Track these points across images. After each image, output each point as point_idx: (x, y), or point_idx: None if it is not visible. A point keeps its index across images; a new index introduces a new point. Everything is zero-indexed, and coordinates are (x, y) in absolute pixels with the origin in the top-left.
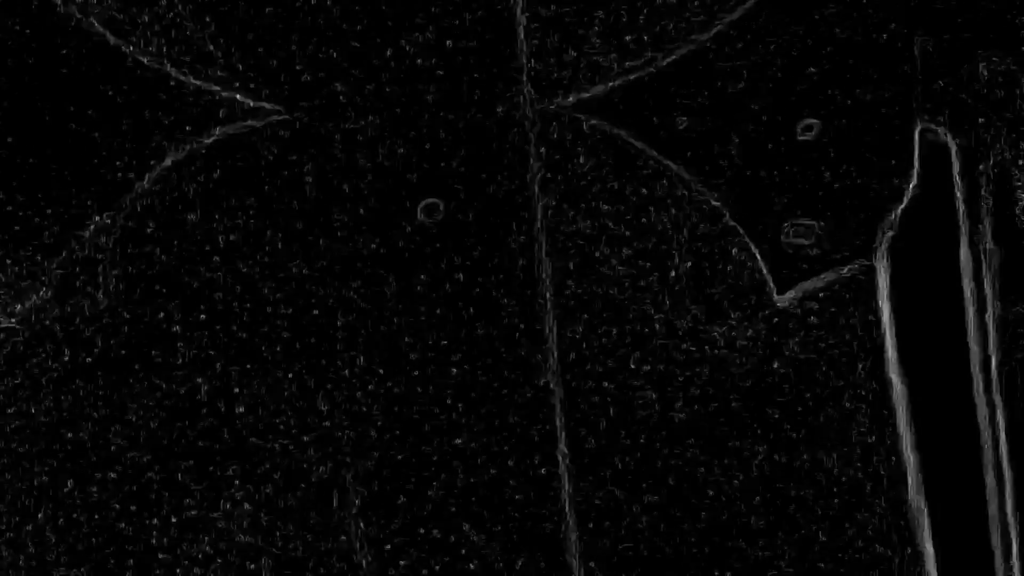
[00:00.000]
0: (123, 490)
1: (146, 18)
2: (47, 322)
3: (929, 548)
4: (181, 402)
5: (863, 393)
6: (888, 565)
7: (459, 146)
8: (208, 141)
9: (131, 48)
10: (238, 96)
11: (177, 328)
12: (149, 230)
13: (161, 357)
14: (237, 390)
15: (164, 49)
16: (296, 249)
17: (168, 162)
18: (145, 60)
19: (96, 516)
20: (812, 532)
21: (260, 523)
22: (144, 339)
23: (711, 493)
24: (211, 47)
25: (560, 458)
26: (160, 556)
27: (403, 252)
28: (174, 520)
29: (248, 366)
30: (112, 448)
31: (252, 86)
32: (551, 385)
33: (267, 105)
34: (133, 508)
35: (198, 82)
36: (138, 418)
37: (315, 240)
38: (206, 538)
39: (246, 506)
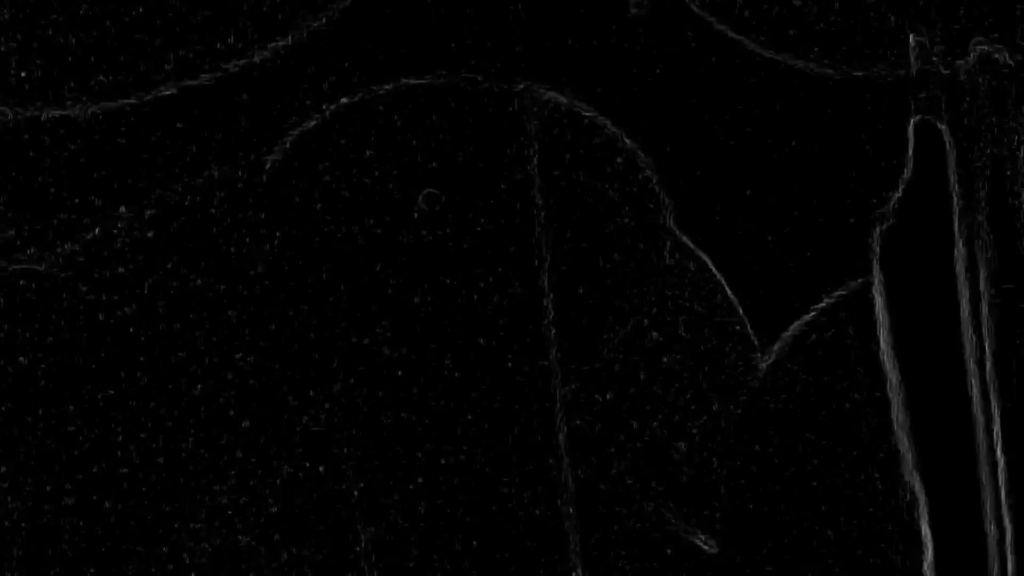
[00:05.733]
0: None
1: None
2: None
3: (926, 531)
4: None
5: (861, 382)
6: (888, 548)
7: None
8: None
9: None
10: None
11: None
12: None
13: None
14: (235, 380)
15: None
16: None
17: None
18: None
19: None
20: (817, 520)
21: (261, 526)
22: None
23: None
24: None
25: (562, 461)
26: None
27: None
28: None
29: (246, 354)
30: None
31: None
32: (554, 385)
33: None
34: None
35: None
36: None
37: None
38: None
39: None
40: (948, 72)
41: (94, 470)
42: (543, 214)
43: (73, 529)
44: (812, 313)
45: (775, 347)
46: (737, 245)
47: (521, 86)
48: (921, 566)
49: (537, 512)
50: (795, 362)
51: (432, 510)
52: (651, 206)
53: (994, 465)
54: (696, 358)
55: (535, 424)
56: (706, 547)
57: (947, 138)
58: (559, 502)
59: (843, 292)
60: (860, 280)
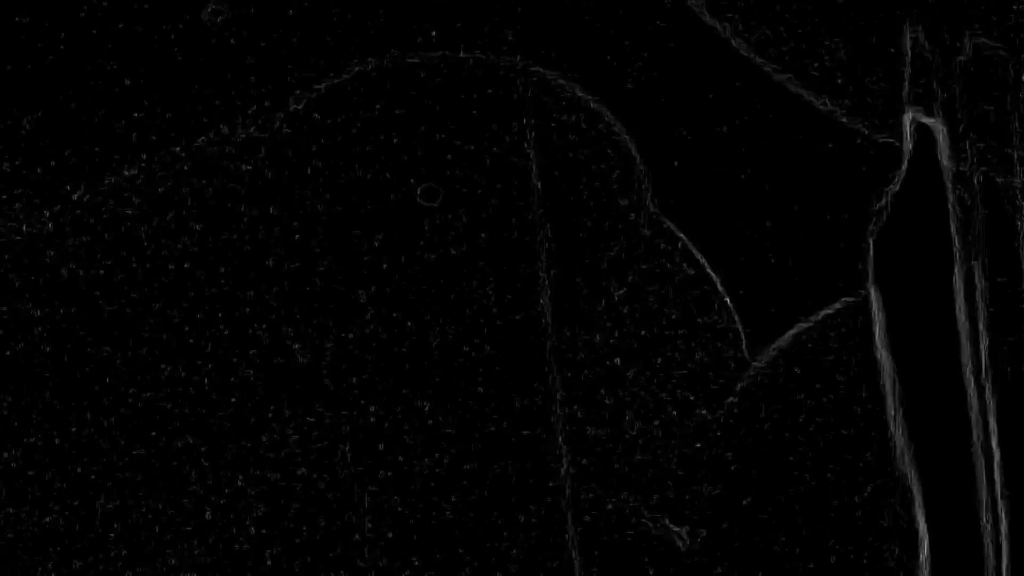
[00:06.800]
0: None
1: None
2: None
3: (922, 525)
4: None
5: (855, 376)
6: (884, 541)
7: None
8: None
9: None
10: None
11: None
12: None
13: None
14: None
15: None
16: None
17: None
18: None
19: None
20: (812, 513)
21: (262, 522)
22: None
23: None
24: None
25: (561, 456)
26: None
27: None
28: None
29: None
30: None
31: None
32: (552, 381)
33: None
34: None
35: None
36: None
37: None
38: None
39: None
40: (943, 67)
41: (87, 470)
42: (540, 201)
43: (38, 522)
44: (807, 318)
45: (771, 347)
46: (732, 243)
47: (520, 66)
48: (917, 560)
49: (534, 509)
50: (791, 356)
51: (427, 505)
52: (647, 200)
53: (990, 458)
54: (687, 357)
55: (533, 419)
56: (680, 543)
57: (942, 134)
58: (558, 492)
59: (840, 304)
60: (856, 297)
